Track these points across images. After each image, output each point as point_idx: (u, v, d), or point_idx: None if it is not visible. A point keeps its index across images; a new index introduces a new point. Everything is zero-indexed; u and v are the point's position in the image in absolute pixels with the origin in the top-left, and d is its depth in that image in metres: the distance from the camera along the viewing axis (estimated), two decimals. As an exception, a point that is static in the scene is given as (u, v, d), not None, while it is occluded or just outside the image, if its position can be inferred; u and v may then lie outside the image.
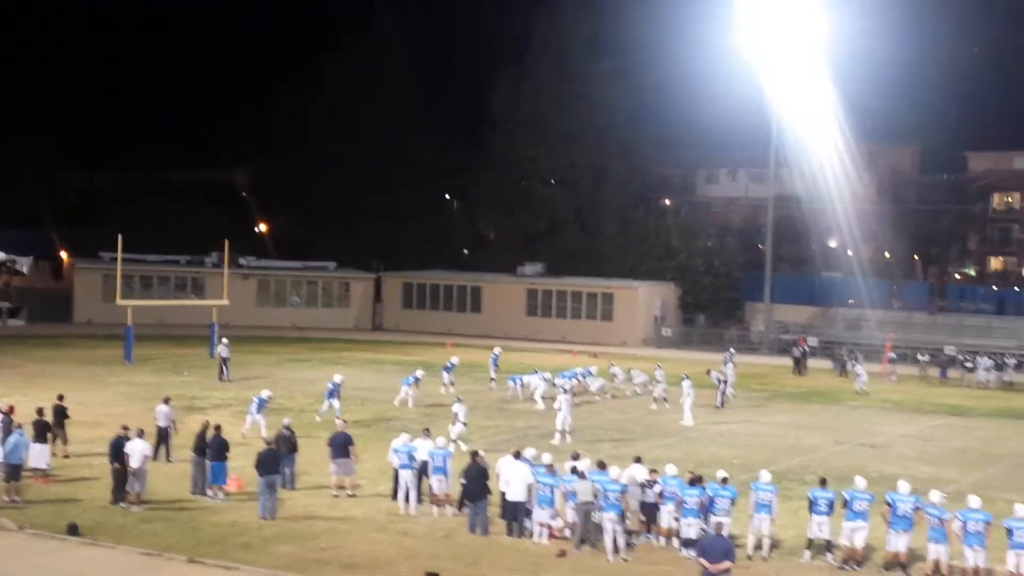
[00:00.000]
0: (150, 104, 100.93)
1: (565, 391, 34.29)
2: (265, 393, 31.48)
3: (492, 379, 44.46)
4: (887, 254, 78.05)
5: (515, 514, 22.20)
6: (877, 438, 36.19)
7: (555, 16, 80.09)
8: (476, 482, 22.48)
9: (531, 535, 21.84)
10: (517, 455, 22.95)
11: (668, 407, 39.62)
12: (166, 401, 28.66)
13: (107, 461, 23.97)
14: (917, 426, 39.70)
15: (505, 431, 33.58)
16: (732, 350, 51.32)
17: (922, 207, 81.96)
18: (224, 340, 45.62)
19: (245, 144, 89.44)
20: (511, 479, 22.39)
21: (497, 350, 46.61)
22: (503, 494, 22.58)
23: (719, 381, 42.16)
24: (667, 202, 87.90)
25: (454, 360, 44.10)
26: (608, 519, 20.81)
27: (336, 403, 34.45)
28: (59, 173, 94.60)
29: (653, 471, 22.33)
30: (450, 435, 28.96)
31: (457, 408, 30.95)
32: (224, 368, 44.14)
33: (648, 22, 76.40)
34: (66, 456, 27.19)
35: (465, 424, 30.65)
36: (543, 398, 39.13)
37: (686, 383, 37.72)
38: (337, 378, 35.52)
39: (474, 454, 23.35)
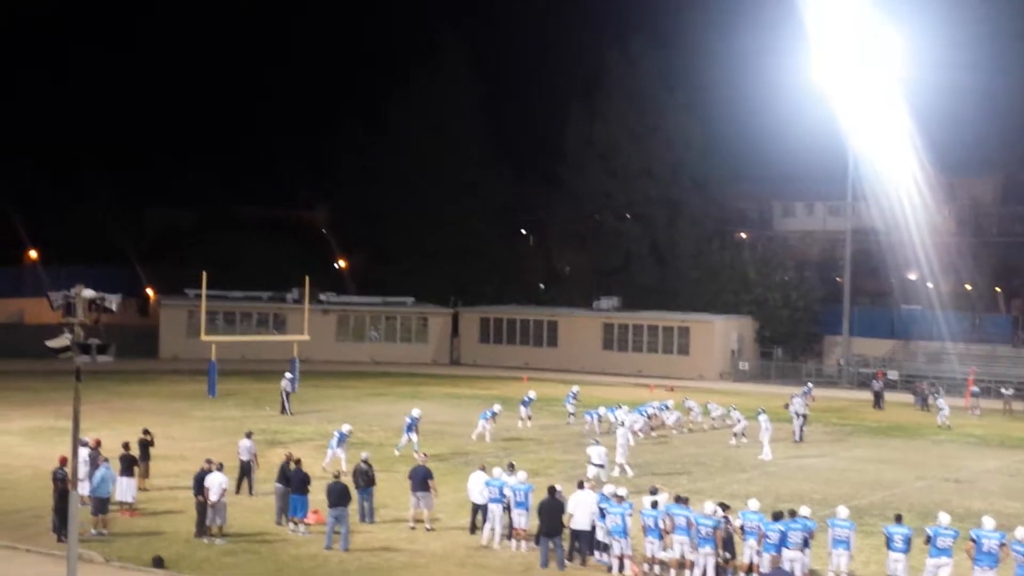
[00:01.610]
0: (230, 142, 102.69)
1: (623, 425, 34.35)
2: (346, 427, 31.84)
3: (571, 414, 44.43)
4: (968, 287, 76.85)
5: (579, 543, 22.56)
6: (960, 473, 35.61)
7: (626, 50, 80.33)
8: (551, 516, 22.59)
9: (609, 568, 21.91)
10: (581, 485, 23.37)
11: (746, 441, 39.32)
12: (248, 435, 29.11)
13: (191, 494, 24.45)
14: (1002, 461, 39.03)
15: (584, 465, 33.55)
16: (810, 384, 50.88)
17: (1004, 239, 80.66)
18: (287, 375, 46.19)
19: (323, 181, 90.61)
20: (575, 509, 22.65)
21: (575, 388, 46.55)
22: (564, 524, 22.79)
23: (797, 415, 41.83)
24: (743, 236, 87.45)
25: (532, 394, 44.23)
26: (703, 554, 20.81)
27: (414, 437, 34.69)
28: (143, 211, 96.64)
29: (726, 505, 22.25)
30: (588, 475, 28.57)
31: (591, 451, 30.57)
32: (285, 402, 44.70)
33: (720, 55, 76.41)
34: (145, 489, 27.71)
35: (601, 466, 30.11)
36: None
37: (763, 417, 37.50)
38: (415, 412, 35.79)
39: (551, 489, 23.43)
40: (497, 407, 40.38)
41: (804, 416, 42.17)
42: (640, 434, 39.00)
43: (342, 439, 31.04)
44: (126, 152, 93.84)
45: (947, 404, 48.65)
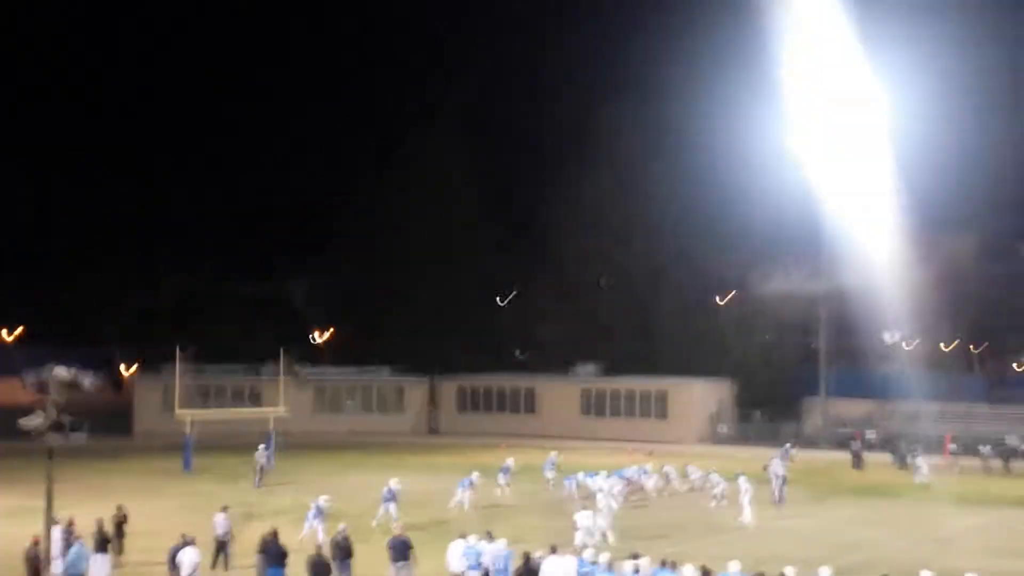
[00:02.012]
0: (203, 218, 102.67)
1: (602, 491, 34.18)
2: (323, 500, 31.56)
3: (550, 480, 44.26)
4: (943, 346, 77.22)
5: None
6: (941, 532, 35.55)
7: (609, 119, 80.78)
8: None
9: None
10: (553, 550, 23.29)
11: (726, 503, 39.17)
12: (224, 510, 28.85)
13: (166, 571, 24.15)
14: (982, 519, 39.00)
15: (566, 531, 33.27)
16: (788, 445, 50.84)
17: (980, 299, 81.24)
18: (261, 447, 45.89)
19: (298, 255, 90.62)
20: (549, 573, 22.49)
21: (553, 455, 46.33)
22: None
23: (776, 476, 41.74)
24: (721, 301, 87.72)
25: (510, 462, 44.02)
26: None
27: (392, 508, 34.45)
28: (115, 289, 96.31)
29: (707, 570, 22.09)
30: (575, 541, 28.70)
31: (579, 516, 30.63)
32: (258, 474, 44.33)
33: (702, 120, 76.82)
34: (120, 567, 27.30)
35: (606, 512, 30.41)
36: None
37: (742, 479, 37.40)
38: (393, 483, 35.55)
39: (525, 556, 23.29)
40: (475, 476, 40.14)
41: (783, 477, 42.06)
42: (619, 498, 38.79)
43: (319, 512, 30.77)
44: (101, 231, 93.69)
45: (925, 463, 48.69)
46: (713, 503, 39.75)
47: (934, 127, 66.11)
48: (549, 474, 44.43)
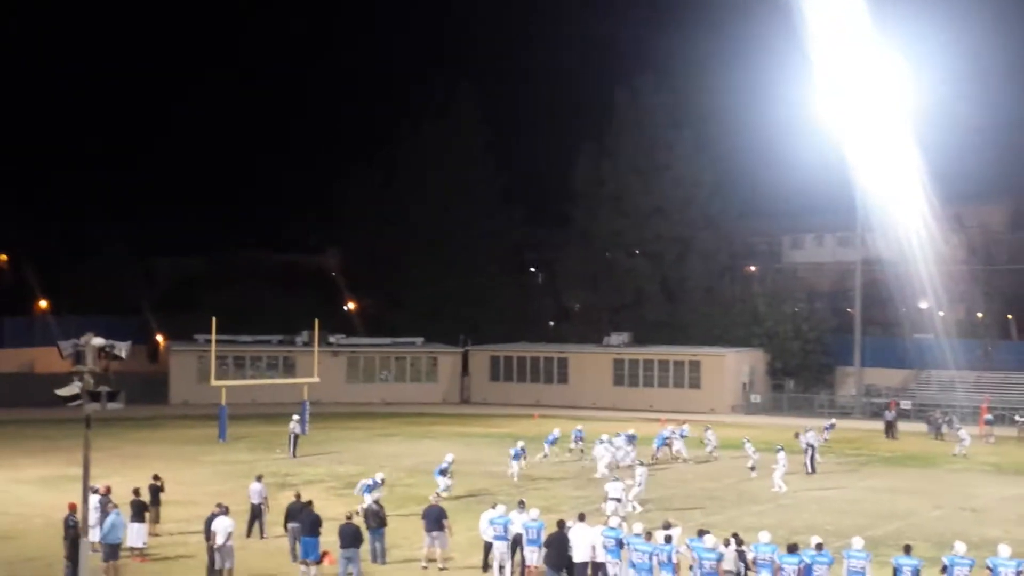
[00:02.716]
0: (241, 188, 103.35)
1: (642, 464, 34.08)
2: (379, 476, 30.71)
3: (569, 449, 44.16)
4: (979, 314, 76.63)
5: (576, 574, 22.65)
6: (976, 502, 35.39)
7: (635, 89, 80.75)
8: (555, 550, 22.59)
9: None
10: (581, 517, 23.44)
11: (756, 475, 39.12)
12: (259, 479, 29.06)
13: (202, 539, 24.39)
14: (1018, 488, 38.76)
15: (597, 500, 33.36)
16: (834, 421, 50.74)
17: (1014, 266, 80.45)
18: (295, 417, 46.03)
19: (333, 226, 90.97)
20: (576, 541, 22.64)
21: (579, 427, 46.04)
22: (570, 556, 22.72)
23: (808, 446, 41.60)
24: (752, 269, 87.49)
25: (557, 432, 43.98)
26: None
27: (447, 481, 34.23)
28: (153, 259, 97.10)
29: (737, 538, 22.10)
30: (605, 511, 28.83)
31: (609, 486, 30.27)
32: (292, 444, 44.56)
33: (728, 91, 76.69)
34: (156, 535, 27.62)
35: (619, 500, 29.69)
36: (608, 467, 38.50)
37: (781, 454, 37.09)
38: (449, 457, 35.34)
39: (560, 523, 23.35)
40: (521, 444, 40.16)
41: (813, 447, 41.85)
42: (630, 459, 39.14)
43: (375, 485, 29.71)
44: (136, 201, 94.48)
45: (968, 434, 48.17)
46: (753, 474, 39.52)
47: (966, 98, 65.47)
48: (573, 445, 44.17)
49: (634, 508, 31.72)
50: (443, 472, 34.35)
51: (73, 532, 23.13)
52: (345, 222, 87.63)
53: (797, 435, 42.94)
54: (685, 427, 45.59)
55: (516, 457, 38.71)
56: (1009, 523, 31.36)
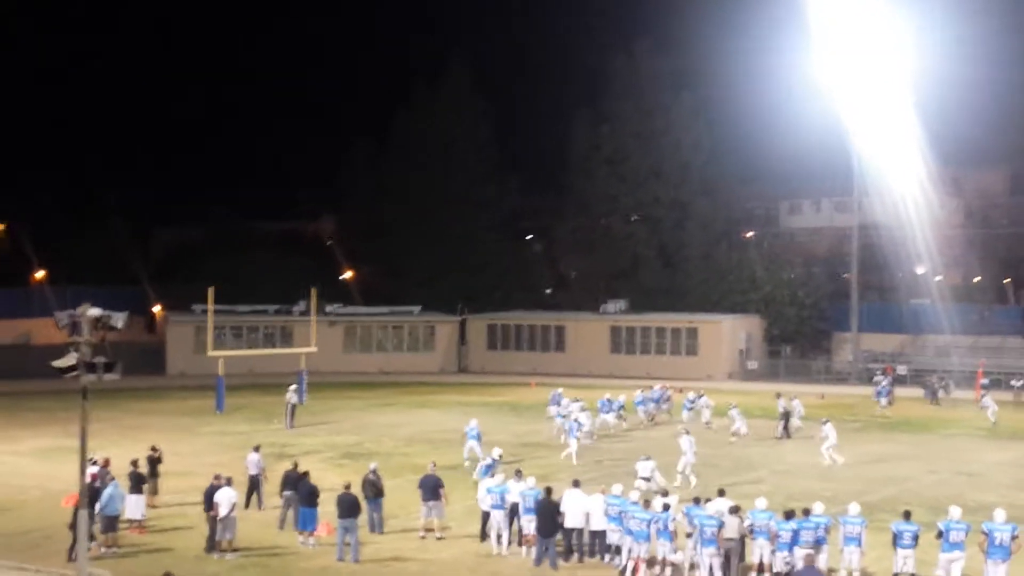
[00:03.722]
0: (236, 158, 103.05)
1: (687, 432, 33.28)
2: (496, 452, 29.80)
3: (551, 416, 43.50)
4: (976, 279, 76.66)
5: (570, 540, 22.99)
6: (972, 466, 35.51)
7: (632, 53, 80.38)
8: (544, 517, 22.78)
9: (622, 572, 21.88)
10: (576, 484, 23.78)
11: (736, 440, 39.58)
12: (256, 449, 29.11)
13: (200, 511, 24.45)
14: (1013, 453, 38.89)
15: (591, 468, 33.46)
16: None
17: (1012, 230, 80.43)
18: (292, 387, 46.04)
19: (329, 194, 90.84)
20: (568, 508, 22.89)
21: (559, 390, 45.90)
22: (561, 523, 22.96)
23: (784, 412, 41.74)
24: (750, 235, 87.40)
25: (622, 399, 44.20)
26: (707, 555, 20.77)
27: (477, 447, 34.18)
28: (150, 229, 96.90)
29: (736, 507, 22.20)
30: (677, 467, 29.35)
31: (640, 465, 28.91)
32: (289, 415, 44.50)
33: (724, 55, 76.47)
34: (154, 506, 27.70)
35: (648, 479, 28.12)
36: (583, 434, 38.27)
37: (827, 426, 36.38)
38: (473, 422, 35.37)
39: (548, 490, 23.55)
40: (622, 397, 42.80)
41: (789, 414, 41.97)
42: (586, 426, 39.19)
43: (494, 464, 28.78)
44: (132, 171, 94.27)
45: (992, 402, 47.71)
46: (733, 439, 39.84)
47: (965, 61, 65.17)
48: (553, 409, 43.23)
49: (687, 480, 31.08)
50: (474, 438, 34.54)
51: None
52: (342, 190, 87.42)
53: (778, 395, 43.16)
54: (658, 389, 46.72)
55: (574, 435, 36.69)
56: (1004, 487, 31.49)
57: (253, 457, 28.62)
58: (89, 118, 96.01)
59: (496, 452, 29.72)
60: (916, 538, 20.49)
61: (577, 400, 41.81)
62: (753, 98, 74.00)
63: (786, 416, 41.84)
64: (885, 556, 21.79)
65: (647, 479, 27.85)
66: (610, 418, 42.32)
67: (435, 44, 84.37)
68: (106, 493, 24.13)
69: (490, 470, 27.84)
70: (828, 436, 36.00)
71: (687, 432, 33.13)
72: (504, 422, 45.11)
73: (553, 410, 43.04)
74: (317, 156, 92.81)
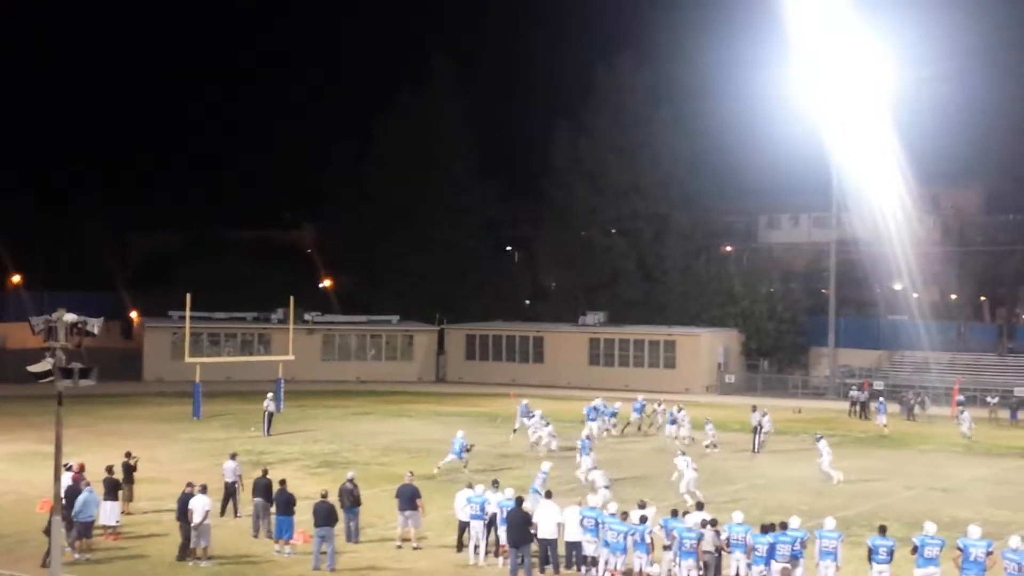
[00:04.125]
0: (216, 165, 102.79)
1: (683, 454, 32.59)
2: (546, 466, 28.57)
3: (514, 429, 43.51)
4: (953, 296, 77.08)
5: (545, 551, 22.98)
6: (948, 482, 35.66)
7: (612, 66, 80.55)
8: (517, 527, 22.72)
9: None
10: (548, 495, 23.85)
11: (718, 451, 39.90)
12: (233, 457, 28.99)
13: (175, 518, 24.32)
14: (988, 469, 39.09)
15: (570, 480, 33.42)
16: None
17: (988, 248, 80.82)
18: (269, 395, 45.90)
19: (308, 202, 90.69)
20: (541, 519, 22.86)
21: (525, 402, 45.41)
22: (534, 534, 22.94)
23: (759, 425, 41.86)
24: (728, 249, 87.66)
25: (641, 400, 45.37)
26: (685, 567, 20.78)
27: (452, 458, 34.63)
28: (127, 235, 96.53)
29: (714, 520, 22.22)
30: (680, 489, 29.24)
31: (596, 475, 28.88)
32: (266, 423, 44.30)
33: (705, 69, 76.70)
34: (129, 513, 27.53)
35: (607, 487, 27.67)
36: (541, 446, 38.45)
37: (822, 443, 36.22)
38: (460, 434, 35.53)
39: (519, 500, 23.50)
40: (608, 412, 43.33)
41: (762, 428, 42.14)
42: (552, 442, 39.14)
43: (586, 446, 31.42)
44: (110, 177, 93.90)
45: (968, 417, 47.79)
46: (708, 451, 39.99)
47: (943, 79, 65.68)
48: (523, 420, 42.75)
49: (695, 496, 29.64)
50: (526, 415, 36.78)
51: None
52: (321, 198, 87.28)
53: (754, 408, 43.32)
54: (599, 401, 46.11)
55: (584, 449, 35.13)
56: (979, 504, 31.63)
57: (230, 464, 28.50)
58: (66, 122, 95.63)
59: (546, 466, 28.56)
60: (891, 553, 20.55)
61: (543, 418, 41.17)
62: (733, 113, 74.35)
63: (757, 430, 42.02)
64: (860, 571, 21.87)
65: (607, 487, 27.36)
66: (595, 426, 42.15)
67: (418, 50, 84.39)
68: (80, 499, 23.99)
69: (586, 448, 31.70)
70: (822, 453, 35.81)
71: (683, 453, 32.89)
72: (482, 432, 45.01)
73: (525, 422, 42.41)
74: (297, 162, 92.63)
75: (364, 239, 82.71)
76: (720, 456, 39.85)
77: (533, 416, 41.43)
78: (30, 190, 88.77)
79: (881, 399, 50.72)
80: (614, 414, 45.48)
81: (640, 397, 47.04)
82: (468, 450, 34.85)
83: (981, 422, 52.39)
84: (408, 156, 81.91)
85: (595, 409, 43.52)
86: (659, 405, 46.70)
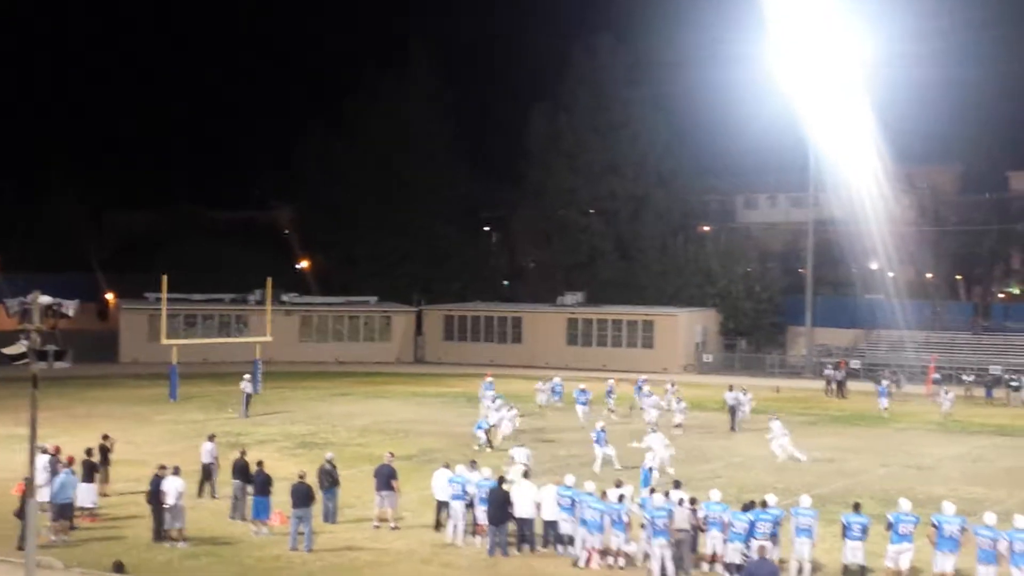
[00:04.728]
0: (191, 144, 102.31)
1: (654, 430, 33.12)
2: (600, 426, 33.51)
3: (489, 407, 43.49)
4: (928, 275, 77.49)
5: (522, 530, 23.11)
6: (923, 460, 35.92)
7: (590, 46, 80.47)
8: (497, 506, 22.85)
9: (575, 562, 21.98)
10: (526, 475, 24.07)
11: (682, 431, 40.04)
12: (211, 438, 28.93)
13: (146, 500, 24.22)
14: (963, 447, 39.38)
15: (547, 459, 33.50)
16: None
17: (964, 227, 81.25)
18: (246, 377, 45.83)
19: (286, 183, 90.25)
20: (519, 499, 22.98)
21: (489, 379, 45.86)
22: (511, 514, 23.06)
23: (737, 404, 42.03)
24: (706, 229, 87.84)
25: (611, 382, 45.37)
26: (658, 545, 20.84)
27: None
28: (102, 216, 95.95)
29: (693, 499, 22.32)
30: (649, 463, 29.45)
31: (516, 451, 29.08)
32: (244, 404, 44.31)
33: (684, 50, 76.65)
34: (105, 495, 27.44)
35: (525, 465, 27.71)
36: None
37: (775, 423, 36.19)
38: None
39: (500, 479, 23.58)
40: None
41: (736, 408, 42.34)
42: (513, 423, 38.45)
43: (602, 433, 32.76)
44: (87, 157, 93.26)
45: (948, 399, 47.71)
46: (678, 431, 39.86)
47: (919, 59, 65.85)
48: (488, 401, 42.09)
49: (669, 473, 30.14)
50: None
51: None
52: (299, 178, 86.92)
53: (731, 388, 43.43)
54: (557, 380, 47.71)
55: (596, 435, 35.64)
56: (953, 480, 31.87)
57: (207, 446, 28.43)
58: (41, 103, 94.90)
59: (600, 426, 33.46)
60: (866, 530, 20.68)
61: (497, 398, 41.03)
62: (710, 93, 74.40)
63: (734, 410, 42.15)
64: (835, 547, 22.00)
65: (525, 464, 27.15)
66: (581, 410, 42.13)
67: (396, 31, 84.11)
68: (59, 480, 23.92)
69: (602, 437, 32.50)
70: (773, 430, 35.81)
71: (654, 430, 33.10)
72: (460, 413, 45.08)
73: (487, 403, 41.38)
74: (275, 143, 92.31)
75: (342, 220, 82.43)
76: (698, 435, 39.97)
77: (494, 399, 41.10)
78: (4, 170, 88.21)
79: (885, 383, 50.40)
80: (560, 394, 46.82)
81: (581, 385, 45.82)
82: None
83: (956, 400, 52.75)
84: (386, 137, 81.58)
85: (583, 391, 43.24)
86: (671, 386, 45.61)
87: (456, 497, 23.93)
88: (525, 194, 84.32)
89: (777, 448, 35.50)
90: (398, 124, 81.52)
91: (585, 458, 33.50)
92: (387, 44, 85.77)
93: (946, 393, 48.43)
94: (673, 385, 45.91)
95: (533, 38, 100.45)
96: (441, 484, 24.53)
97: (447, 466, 25.22)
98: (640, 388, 45.13)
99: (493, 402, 40.31)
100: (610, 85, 79.69)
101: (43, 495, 24.04)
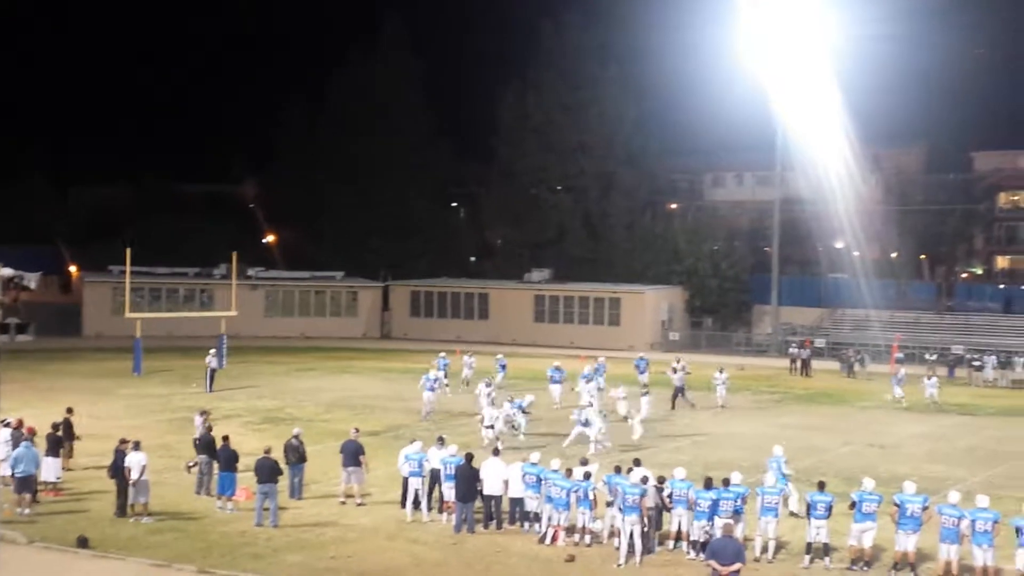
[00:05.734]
0: (158, 117, 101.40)
1: (591, 405, 33.88)
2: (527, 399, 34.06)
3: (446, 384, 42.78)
4: (893, 255, 77.99)
5: (489, 507, 23.17)
6: (886, 439, 36.16)
7: (560, 26, 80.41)
8: (466, 483, 22.91)
9: (541, 539, 22.04)
10: (496, 452, 24.10)
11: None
12: (202, 413, 28.96)
13: (108, 475, 24.08)
14: (926, 426, 39.70)
15: (511, 439, 33.49)
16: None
17: (928, 207, 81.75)
18: (212, 351, 45.58)
19: (253, 156, 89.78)
20: (488, 475, 23.07)
21: (443, 355, 46.13)
22: (480, 490, 23.15)
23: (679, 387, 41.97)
24: (674, 207, 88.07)
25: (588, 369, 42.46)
26: (629, 522, 20.88)
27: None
28: (67, 188, 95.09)
29: (661, 477, 22.38)
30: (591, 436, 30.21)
31: (590, 412, 31.81)
32: (209, 379, 44.08)
33: (653, 29, 76.66)
34: (69, 469, 27.22)
35: (491, 428, 31.37)
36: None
37: (645, 399, 36.31)
38: (529, 398, 35.16)
39: (468, 456, 23.58)
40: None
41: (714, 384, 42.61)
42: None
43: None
44: (52, 129, 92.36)
45: (932, 384, 47.20)
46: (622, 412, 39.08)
47: (886, 39, 66.05)
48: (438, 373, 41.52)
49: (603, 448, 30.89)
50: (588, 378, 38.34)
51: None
52: (266, 152, 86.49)
53: (674, 366, 42.95)
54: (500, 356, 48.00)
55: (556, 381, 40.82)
56: (916, 460, 32.14)
57: (198, 420, 28.46)
58: (6, 77, 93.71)
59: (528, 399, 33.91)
60: (830, 508, 20.82)
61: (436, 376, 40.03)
62: (678, 72, 74.50)
63: (680, 392, 41.83)
64: (799, 526, 22.15)
65: (491, 427, 30.82)
66: (556, 389, 41.49)
67: (369, 8, 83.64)
68: (19, 451, 23.72)
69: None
70: (618, 399, 36.03)
71: (590, 404, 33.43)
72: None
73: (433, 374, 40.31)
74: (243, 116, 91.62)
75: (311, 194, 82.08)
76: (663, 413, 40.01)
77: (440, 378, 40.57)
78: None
79: (902, 371, 47.91)
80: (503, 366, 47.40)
81: (555, 363, 44.98)
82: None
83: (919, 380, 53.09)
84: (355, 111, 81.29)
85: (558, 370, 42.59)
86: (678, 362, 44.45)
87: (413, 474, 23.91)
88: (495, 171, 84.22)
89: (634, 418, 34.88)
90: (368, 98, 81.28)
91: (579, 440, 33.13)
92: (358, 17, 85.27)
93: (929, 379, 47.29)
94: (679, 361, 44.72)
95: (505, 15, 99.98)
96: (404, 460, 24.51)
97: (412, 442, 25.19)
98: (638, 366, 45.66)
99: (433, 381, 39.15)
100: (579, 63, 79.67)
101: (4, 469, 23.89)
